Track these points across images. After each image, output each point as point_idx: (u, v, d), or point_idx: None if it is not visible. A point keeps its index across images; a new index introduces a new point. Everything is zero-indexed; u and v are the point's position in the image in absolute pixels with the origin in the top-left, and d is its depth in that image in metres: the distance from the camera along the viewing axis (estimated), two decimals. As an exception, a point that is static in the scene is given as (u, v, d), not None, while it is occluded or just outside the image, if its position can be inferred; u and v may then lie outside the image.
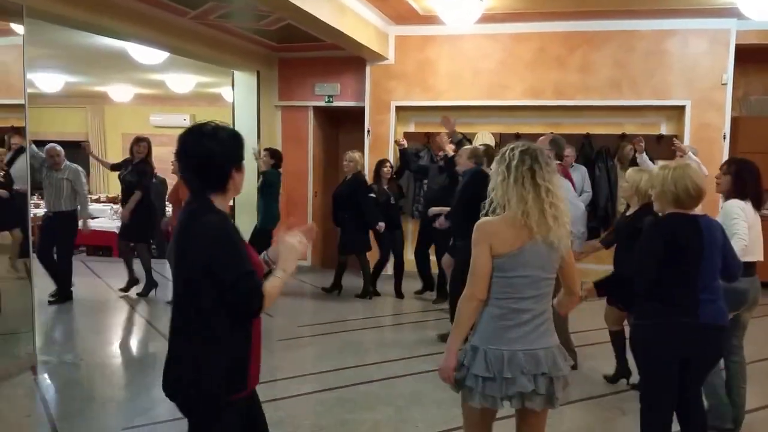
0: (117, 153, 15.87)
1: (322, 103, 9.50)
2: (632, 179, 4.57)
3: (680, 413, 3.21)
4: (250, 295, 2.10)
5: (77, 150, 16.84)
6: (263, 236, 7.60)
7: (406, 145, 8.08)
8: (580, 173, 7.47)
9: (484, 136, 8.82)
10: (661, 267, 3.00)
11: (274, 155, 7.97)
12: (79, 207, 7.34)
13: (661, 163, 3.87)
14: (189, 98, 14.20)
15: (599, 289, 3.25)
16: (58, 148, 7.41)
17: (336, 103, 9.46)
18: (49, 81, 12.05)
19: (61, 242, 7.24)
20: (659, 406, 3.13)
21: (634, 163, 6.82)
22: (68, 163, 7.43)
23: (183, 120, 15.31)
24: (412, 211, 8.88)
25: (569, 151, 7.25)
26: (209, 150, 2.18)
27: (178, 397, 2.23)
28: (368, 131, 9.06)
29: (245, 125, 8.91)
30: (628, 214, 4.71)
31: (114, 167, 8.26)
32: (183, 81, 11.62)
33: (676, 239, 3.03)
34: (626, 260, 4.16)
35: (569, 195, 4.78)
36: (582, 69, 8.40)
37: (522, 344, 2.51)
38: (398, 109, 9.05)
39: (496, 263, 2.51)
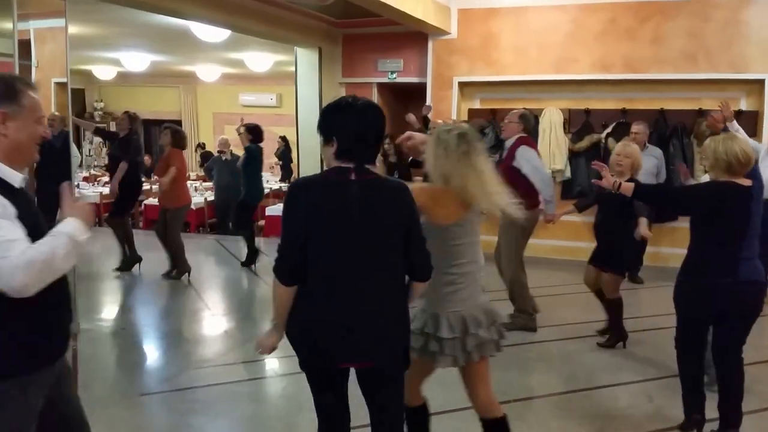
0: (208, 132, 16.57)
1: (385, 80, 9.43)
2: (633, 153, 4.87)
3: (717, 362, 3.51)
4: None
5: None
6: (245, 211, 7.75)
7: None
8: (654, 158, 6.96)
9: (551, 113, 8.48)
10: (706, 228, 3.38)
11: (253, 131, 7.93)
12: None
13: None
14: (276, 77, 14.48)
15: (637, 191, 3.58)
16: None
17: (399, 80, 9.36)
18: (135, 60, 12.59)
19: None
20: (694, 349, 3.52)
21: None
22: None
23: (270, 99, 15.74)
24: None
25: (641, 128, 6.85)
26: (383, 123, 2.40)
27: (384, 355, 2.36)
28: (430, 107, 8.89)
29: (308, 102, 9.02)
30: None
31: (99, 132, 8.54)
32: (261, 60, 11.88)
33: (723, 205, 3.32)
34: (617, 229, 4.85)
35: (536, 162, 5.32)
36: (654, 41, 7.83)
37: (473, 301, 2.79)
38: (461, 85, 8.83)
39: (443, 233, 2.72)
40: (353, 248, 2.28)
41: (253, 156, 7.88)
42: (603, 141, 8.19)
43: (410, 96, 9.57)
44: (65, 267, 1.90)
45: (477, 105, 8.96)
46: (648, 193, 3.87)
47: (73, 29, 9.41)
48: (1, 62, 5.39)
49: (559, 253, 8.49)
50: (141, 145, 7.93)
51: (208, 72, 14.35)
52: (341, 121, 2.32)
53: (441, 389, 3.32)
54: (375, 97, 9.55)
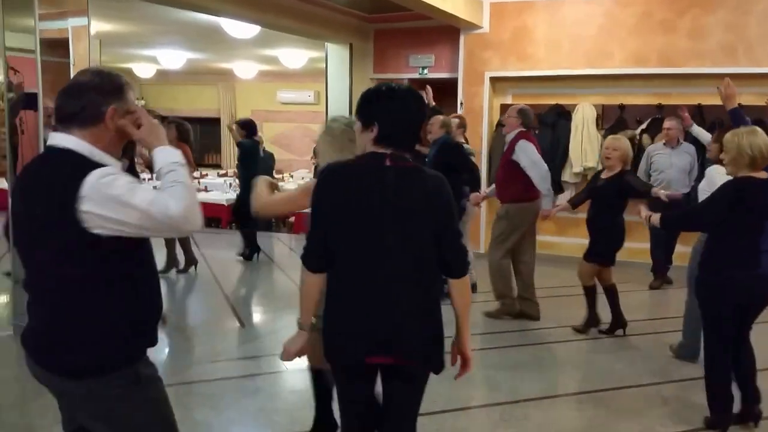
0: (247, 129, 16.73)
1: (416, 75, 9.37)
2: (622, 146, 5.01)
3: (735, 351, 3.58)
4: None
5: (213, 126, 17.97)
6: (244, 206, 7.73)
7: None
8: (688, 155, 6.80)
9: (584, 109, 8.32)
10: (728, 224, 3.38)
11: (245, 126, 7.93)
12: None
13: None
14: (313, 74, 14.49)
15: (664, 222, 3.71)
16: None
17: (430, 75, 9.28)
18: (171, 58, 12.77)
19: None
20: (724, 338, 3.51)
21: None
22: None
23: (308, 96, 15.80)
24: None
25: (674, 124, 6.67)
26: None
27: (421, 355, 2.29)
28: (461, 104, 8.81)
29: (338, 98, 9.02)
30: (604, 177, 5.11)
31: None
32: (295, 56, 11.93)
33: (745, 200, 3.34)
34: (604, 222, 5.04)
35: (534, 156, 5.45)
36: (692, 34, 7.60)
37: None
38: (493, 80, 8.72)
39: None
40: (381, 237, 2.19)
41: (248, 151, 7.86)
42: (638, 137, 7.98)
43: (443, 91, 9.47)
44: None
45: (509, 100, 8.82)
46: (675, 221, 3.98)
47: (109, 27, 9.66)
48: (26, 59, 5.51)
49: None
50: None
51: (245, 69, 14.47)
52: (383, 106, 2.26)
53: (448, 386, 3.26)
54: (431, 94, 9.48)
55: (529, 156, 5.43)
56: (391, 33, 9.45)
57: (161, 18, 8.93)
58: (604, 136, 8.22)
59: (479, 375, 4.41)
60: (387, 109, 2.25)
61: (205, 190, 11.73)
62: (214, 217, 10.87)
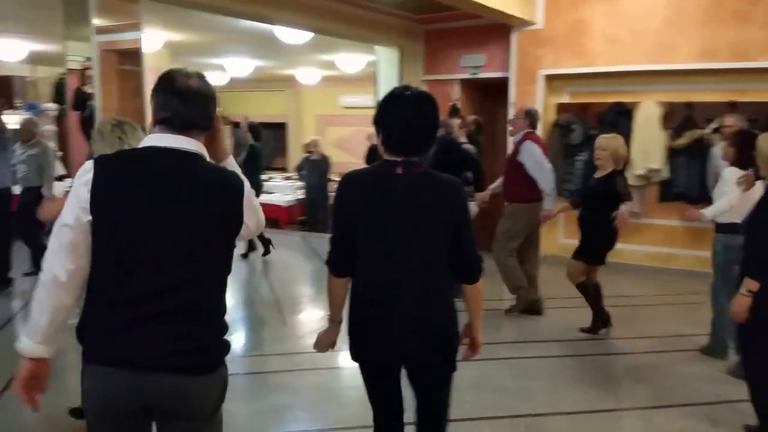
0: (312, 133, 16.83)
1: (468, 76, 8.99)
2: (610, 146, 5.00)
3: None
4: None
5: (281, 131, 18.19)
6: None
7: None
8: None
9: (648, 107, 7.72)
10: None
11: (252, 129, 8.10)
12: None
13: None
14: (372, 78, 14.41)
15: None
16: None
17: (481, 75, 8.89)
18: (238, 66, 12.93)
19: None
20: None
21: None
22: (41, 139, 6.82)
23: (369, 100, 15.64)
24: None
25: (733, 121, 6.03)
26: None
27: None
28: (512, 104, 8.37)
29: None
30: (596, 176, 5.15)
31: None
32: (352, 61, 11.79)
33: None
34: (595, 221, 5.05)
35: (538, 157, 5.56)
36: None
37: None
38: (548, 78, 8.24)
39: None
40: (396, 243, 2.22)
41: (254, 155, 8.06)
42: (707, 137, 7.31)
43: (494, 92, 9.07)
44: None
45: (566, 99, 8.34)
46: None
47: (177, 36, 9.79)
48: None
49: (653, 261, 7.75)
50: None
51: (307, 75, 14.49)
52: (388, 110, 2.26)
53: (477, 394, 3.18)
54: (458, 94, 9.15)
55: (533, 157, 5.56)
56: (442, 33, 9.11)
57: (224, 27, 8.89)
58: (672, 137, 7.63)
59: (514, 384, 4.29)
60: (392, 113, 2.25)
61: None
62: (274, 218, 10.95)
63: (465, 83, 9.15)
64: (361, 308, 2.29)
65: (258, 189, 8.26)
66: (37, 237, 6.53)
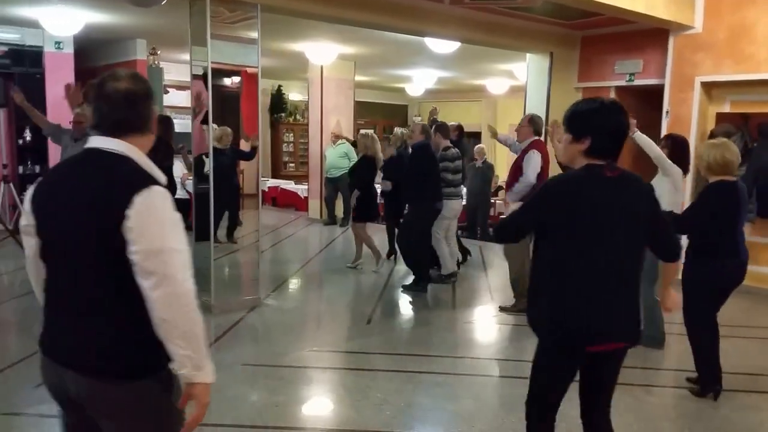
0: (503, 143, 17.03)
1: (623, 83, 8.67)
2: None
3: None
4: None
5: (478, 140, 18.68)
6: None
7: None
8: None
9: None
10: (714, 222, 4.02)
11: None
12: None
13: None
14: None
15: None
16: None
17: (637, 82, 8.52)
18: (424, 76, 13.67)
19: None
20: (709, 322, 4.18)
21: None
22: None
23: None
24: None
25: None
26: None
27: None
28: (666, 112, 7.94)
29: (535, 109, 8.79)
30: None
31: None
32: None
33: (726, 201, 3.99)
34: None
35: (535, 166, 5.79)
36: None
37: None
38: (705, 85, 7.68)
39: None
40: (613, 240, 2.43)
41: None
42: None
43: (648, 100, 8.63)
44: None
45: (726, 108, 7.70)
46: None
47: (364, 50, 10.67)
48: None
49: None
50: (171, 149, 7.40)
51: (496, 85, 14.76)
52: (597, 120, 2.47)
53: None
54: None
55: (530, 166, 5.79)
56: (598, 39, 8.89)
57: (388, 39, 9.26)
58: None
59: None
60: (601, 122, 2.47)
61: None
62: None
63: (622, 90, 8.84)
64: (574, 295, 2.44)
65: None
66: None
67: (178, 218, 1.84)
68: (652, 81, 8.34)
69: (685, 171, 4.99)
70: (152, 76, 10.63)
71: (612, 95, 8.79)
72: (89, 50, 11.18)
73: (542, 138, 6.23)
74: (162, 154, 7.40)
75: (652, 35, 8.11)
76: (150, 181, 1.84)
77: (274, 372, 4.58)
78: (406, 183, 6.93)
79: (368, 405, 4.04)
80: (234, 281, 7.48)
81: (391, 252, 8.45)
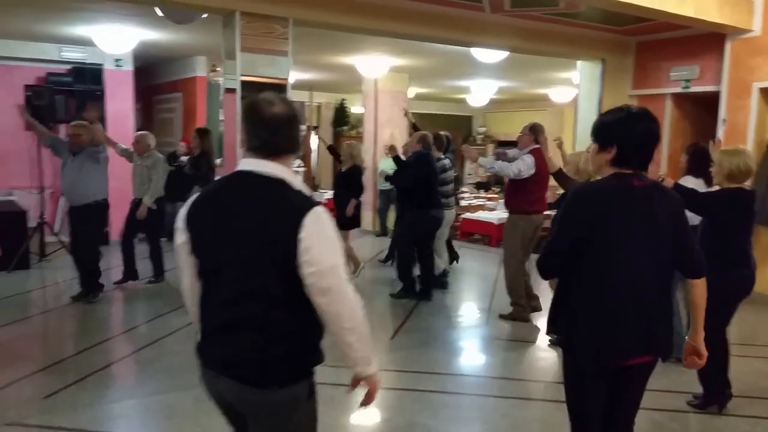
0: (570, 151, 16.61)
1: (678, 89, 8.30)
2: (572, 161, 5.14)
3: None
4: None
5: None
6: None
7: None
8: None
9: None
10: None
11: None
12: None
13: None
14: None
15: None
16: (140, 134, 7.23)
17: (693, 89, 8.13)
18: (483, 87, 13.50)
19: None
20: (718, 336, 3.95)
21: None
22: (155, 152, 7.10)
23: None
24: None
25: None
26: None
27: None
28: (723, 120, 7.54)
29: (586, 117, 8.58)
30: None
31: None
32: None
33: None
34: None
35: (519, 163, 5.89)
36: None
37: None
38: (763, 91, 7.27)
39: None
40: (640, 250, 2.39)
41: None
42: None
43: (704, 106, 8.25)
44: None
45: (788, 115, 7.25)
46: None
47: (420, 62, 10.66)
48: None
49: None
50: (214, 163, 7.72)
51: (560, 94, 14.45)
52: (624, 130, 2.41)
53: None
54: (669, 109, 8.51)
55: (517, 163, 5.90)
56: (653, 44, 8.56)
57: (446, 52, 9.19)
58: None
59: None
60: (627, 132, 2.40)
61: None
62: (486, 234, 11.20)
63: (676, 97, 8.47)
64: (606, 311, 2.39)
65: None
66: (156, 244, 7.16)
67: (337, 233, 1.97)
68: (709, 88, 7.97)
69: (707, 180, 4.75)
70: (213, 93, 10.99)
71: (668, 102, 8.49)
72: (150, 67, 11.67)
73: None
74: (205, 167, 7.62)
75: (708, 40, 7.76)
76: (312, 202, 1.94)
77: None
78: (406, 191, 6.97)
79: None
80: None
81: (389, 257, 8.70)
